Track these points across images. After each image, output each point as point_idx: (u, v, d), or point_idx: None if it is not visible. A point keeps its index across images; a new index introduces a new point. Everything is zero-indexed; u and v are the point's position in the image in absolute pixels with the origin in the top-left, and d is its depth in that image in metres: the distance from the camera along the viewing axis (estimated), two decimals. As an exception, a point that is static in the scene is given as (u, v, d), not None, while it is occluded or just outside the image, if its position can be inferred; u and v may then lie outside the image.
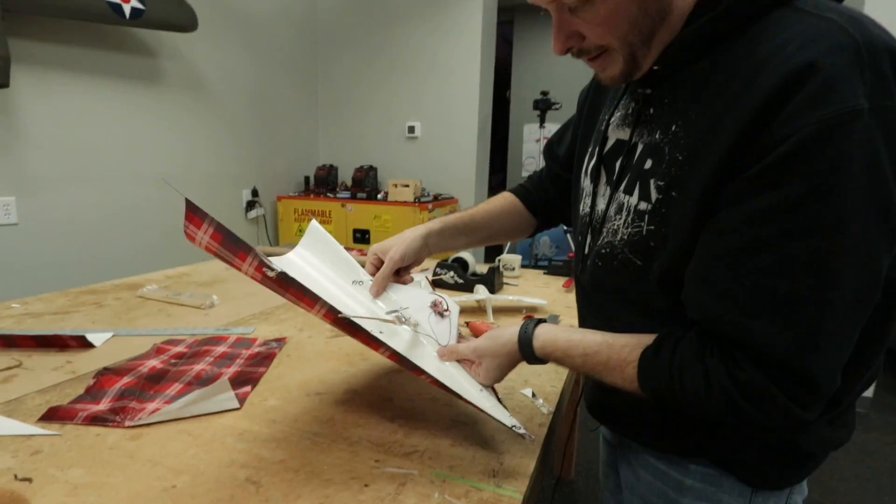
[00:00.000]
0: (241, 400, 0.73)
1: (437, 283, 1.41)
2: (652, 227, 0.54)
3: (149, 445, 0.61)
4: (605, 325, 0.64)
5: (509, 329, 0.63)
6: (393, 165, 3.40)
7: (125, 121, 2.24)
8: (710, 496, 0.61)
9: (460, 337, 0.71)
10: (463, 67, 3.15)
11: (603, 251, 0.62)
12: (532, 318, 0.63)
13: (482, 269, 1.49)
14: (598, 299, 0.67)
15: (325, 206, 3.01)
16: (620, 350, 0.54)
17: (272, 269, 0.53)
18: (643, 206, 0.54)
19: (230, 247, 0.53)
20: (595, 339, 0.57)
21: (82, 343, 0.91)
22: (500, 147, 5.66)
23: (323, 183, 3.21)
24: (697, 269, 0.50)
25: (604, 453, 0.86)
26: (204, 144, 2.65)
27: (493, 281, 1.36)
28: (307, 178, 3.30)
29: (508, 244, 3.53)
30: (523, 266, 1.70)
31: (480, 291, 1.23)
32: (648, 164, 0.54)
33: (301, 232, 3.20)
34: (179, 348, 0.91)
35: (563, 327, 0.61)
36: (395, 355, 0.60)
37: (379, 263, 0.76)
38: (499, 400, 0.64)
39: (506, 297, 1.22)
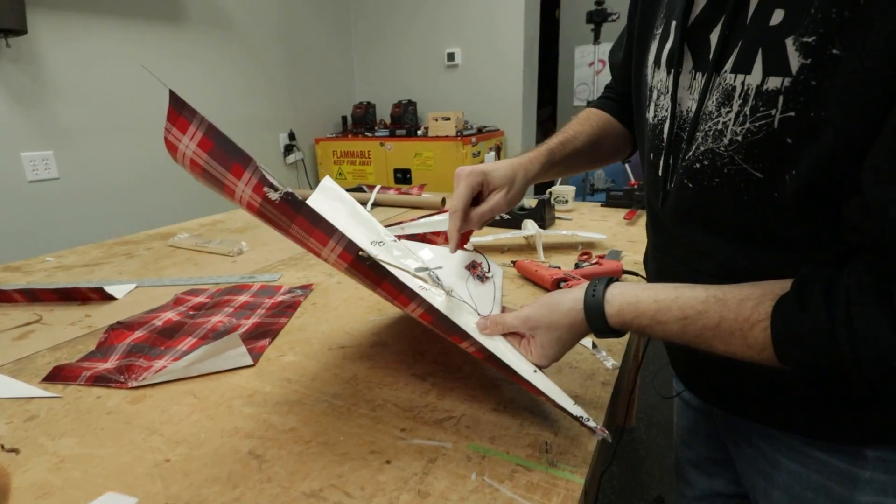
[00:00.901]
0: (257, 356, 0.64)
1: (480, 221, 1.28)
2: (791, 114, 0.36)
3: (149, 409, 0.54)
4: (693, 274, 0.49)
5: (571, 293, 0.48)
6: (433, 98, 3.18)
7: (153, 65, 2.16)
8: None
9: (505, 308, 0.58)
10: (505, -19, 2.82)
11: (697, 166, 0.45)
12: (601, 278, 0.47)
13: (531, 202, 1.33)
14: (685, 237, 0.51)
15: (363, 147, 2.88)
16: (738, 306, 0.39)
17: (275, 189, 0.39)
18: (773, 83, 0.37)
19: (222, 157, 0.39)
20: (696, 296, 0.41)
21: (102, 295, 0.86)
22: (549, 79, 5.24)
23: (361, 122, 3.06)
24: (890, 163, 0.32)
25: (685, 418, 0.72)
26: (236, 88, 2.55)
27: (543, 215, 1.21)
28: (344, 118, 3.17)
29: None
30: (576, 199, 1.53)
31: (529, 227, 1.08)
32: (778, 17, 0.36)
33: (342, 175, 3.12)
34: (200, 298, 0.84)
35: (645, 285, 0.45)
36: (430, 312, 0.46)
37: (477, 189, 0.60)
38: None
39: (558, 232, 1.07)
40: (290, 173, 2.96)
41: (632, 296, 0.44)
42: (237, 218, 1.49)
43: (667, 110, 0.50)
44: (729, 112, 0.41)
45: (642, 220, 1.27)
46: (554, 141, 0.69)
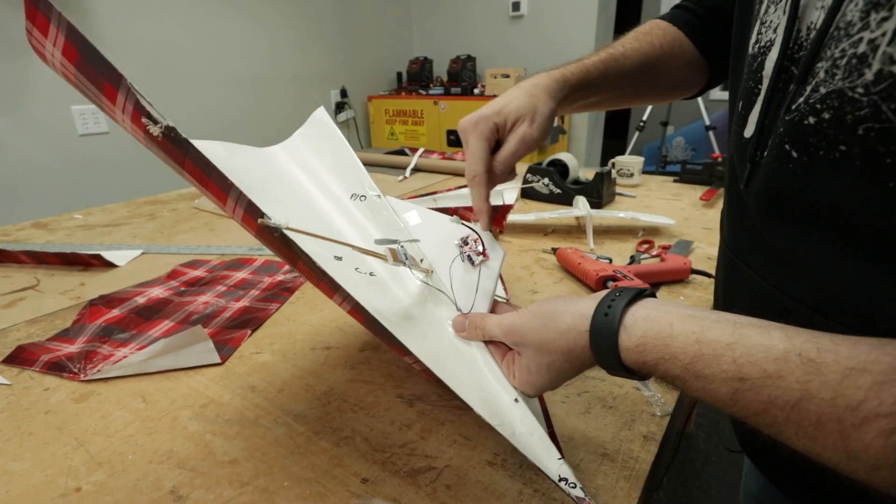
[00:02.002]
0: (230, 350, 0.55)
1: (527, 194, 1.12)
2: None
3: (90, 412, 0.46)
4: (779, 297, 0.34)
5: (577, 305, 0.33)
6: (495, 53, 2.95)
7: (202, 16, 2.11)
8: None
9: (500, 304, 0.43)
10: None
11: (810, 121, 0.28)
12: (626, 289, 0.32)
13: (587, 174, 1.15)
14: (775, 238, 0.34)
15: (416, 105, 2.73)
16: (842, 381, 0.22)
17: (155, 122, 0.30)
18: None
19: (90, 72, 0.30)
20: (768, 346, 0.24)
21: (103, 262, 0.80)
22: (630, 28, 4.74)
23: (416, 78, 2.90)
24: None
25: (752, 480, 0.55)
26: (286, 40, 2.46)
27: (600, 190, 1.03)
28: (399, 75, 3.02)
29: (633, 142, 2.99)
30: (646, 172, 1.31)
31: (580, 205, 0.91)
32: None
33: (393, 135, 3.00)
34: (198, 272, 0.77)
35: (690, 312, 0.28)
36: (359, 312, 0.35)
37: (493, 137, 0.46)
38: (546, 416, 0.37)
39: (614, 214, 0.89)
40: (342, 132, 2.89)
41: (662, 325, 0.28)
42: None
43: (776, 29, 0.32)
44: (885, 21, 0.24)
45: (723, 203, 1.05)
46: (594, 58, 0.52)
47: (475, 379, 0.37)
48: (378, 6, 2.92)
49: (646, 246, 0.81)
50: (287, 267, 0.77)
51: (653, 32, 0.55)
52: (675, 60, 0.55)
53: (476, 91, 2.65)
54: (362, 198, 0.49)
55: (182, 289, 0.71)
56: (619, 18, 2.99)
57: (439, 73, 3.05)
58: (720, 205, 1.05)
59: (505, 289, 0.60)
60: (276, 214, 0.37)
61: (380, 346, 0.56)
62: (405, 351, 0.36)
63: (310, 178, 0.50)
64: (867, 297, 0.28)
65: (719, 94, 4.37)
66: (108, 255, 0.81)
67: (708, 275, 0.68)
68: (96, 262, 0.81)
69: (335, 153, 0.53)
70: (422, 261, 0.45)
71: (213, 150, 0.44)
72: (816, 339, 0.23)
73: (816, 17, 0.29)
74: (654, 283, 0.67)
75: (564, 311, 0.33)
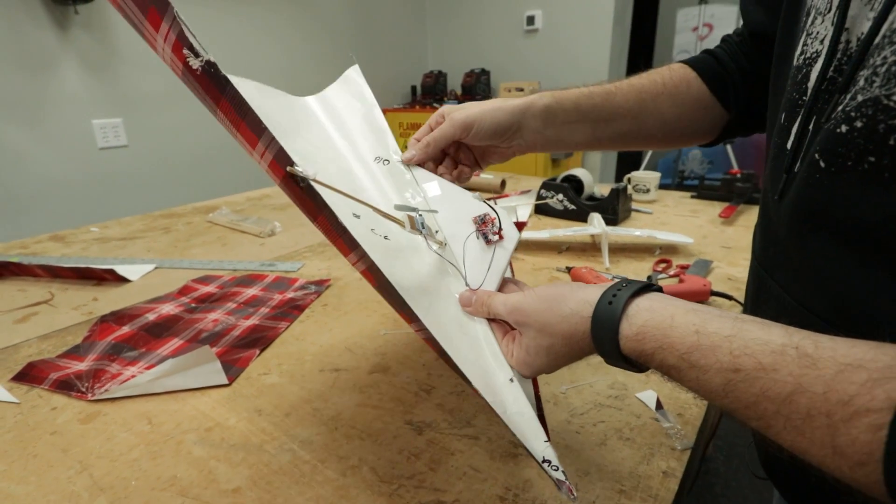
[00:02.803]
0: (238, 371, 0.54)
1: (541, 210, 1.10)
2: None
3: (96, 433, 0.46)
4: (801, 313, 0.34)
5: (582, 291, 0.33)
6: (509, 67, 2.95)
7: (224, 33, 2.15)
8: None
9: (508, 283, 0.42)
10: (598, -68, 2.50)
11: (842, 129, 0.28)
12: (632, 281, 0.32)
13: (603, 190, 1.13)
14: (802, 252, 0.33)
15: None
16: (836, 376, 0.21)
17: (196, 55, 0.30)
18: None
19: None
20: (766, 339, 0.24)
21: (116, 277, 0.81)
22: (644, 46, 4.75)
23: (430, 92, 2.92)
24: None
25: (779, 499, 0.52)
26: (305, 56, 2.50)
27: (616, 207, 1.01)
28: (414, 88, 3.04)
29: (648, 156, 2.95)
30: (663, 187, 1.29)
31: (595, 223, 0.89)
32: None
33: (405, 149, 3.00)
34: (209, 288, 0.77)
35: (693, 307, 0.28)
36: (373, 273, 0.35)
37: (437, 122, 0.50)
38: (537, 400, 0.37)
39: (630, 232, 0.87)
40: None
41: (664, 316, 0.28)
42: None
43: (823, 40, 0.31)
44: None
45: (743, 220, 1.03)
46: (578, 87, 0.51)
47: (474, 355, 0.37)
48: (394, 21, 2.96)
49: (663, 265, 0.79)
50: (298, 284, 0.77)
51: (659, 71, 0.53)
52: (678, 99, 0.51)
53: (490, 105, 2.65)
54: (386, 161, 0.48)
55: (193, 305, 0.71)
56: (634, 32, 2.99)
57: (453, 86, 3.07)
58: (740, 222, 1.02)
59: (512, 270, 0.59)
60: (303, 157, 0.39)
61: (389, 368, 0.54)
62: (413, 317, 0.35)
63: (339, 133, 0.49)
64: (890, 314, 0.28)
65: (736, 107, 4.32)
66: (122, 270, 0.82)
67: (729, 297, 0.66)
68: (110, 277, 0.81)
69: (365, 114, 0.52)
70: (437, 232, 0.45)
71: (247, 87, 0.43)
72: (815, 337, 0.23)
73: (866, 27, 0.28)
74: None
75: (570, 296, 0.33)
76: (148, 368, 0.55)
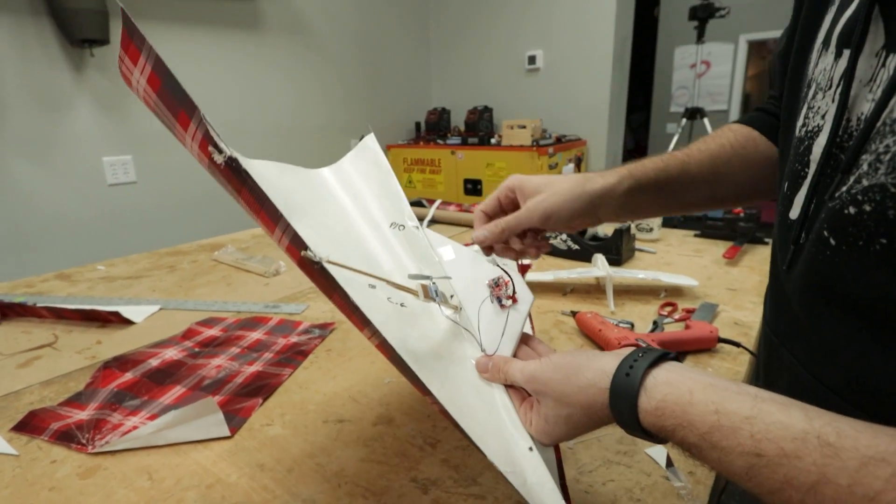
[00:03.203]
0: (240, 422, 0.54)
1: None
2: None
3: (95, 490, 0.45)
4: (811, 385, 0.34)
5: (599, 360, 0.33)
6: (511, 104, 3.02)
7: (230, 71, 2.22)
8: None
9: (525, 346, 0.42)
10: (596, -23, 2.59)
11: (850, 211, 0.28)
12: (650, 349, 0.32)
13: (606, 229, 1.14)
14: (814, 324, 0.33)
15: (434, 155, 2.79)
16: (860, 468, 0.21)
17: (220, 151, 0.33)
18: None
19: (169, 100, 0.34)
20: (787, 424, 0.24)
21: (121, 319, 0.81)
22: (643, 82, 4.86)
23: (434, 128, 2.98)
24: None
25: None
26: (312, 93, 2.57)
27: (619, 247, 1.02)
28: (418, 124, 3.10)
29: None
30: (667, 221, 1.30)
31: (599, 264, 0.90)
32: None
33: (411, 183, 3.05)
34: (213, 331, 0.77)
35: (712, 381, 0.28)
36: (385, 348, 0.35)
37: (509, 205, 0.50)
38: (559, 468, 0.36)
39: (634, 274, 0.87)
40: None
41: (683, 392, 0.28)
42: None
43: (824, 115, 0.32)
44: None
45: (747, 261, 1.03)
46: (654, 158, 0.51)
47: (492, 422, 0.36)
48: (400, 59, 3.04)
49: (669, 309, 0.79)
50: (302, 327, 0.77)
51: (722, 134, 0.53)
52: (748, 160, 0.51)
53: (493, 141, 2.70)
54: (401, 227, 0.49)
55: (196, 350, 0.70)
56: (633, 69, 3.06)
57: (457, 123, 3.13)
58: (744, 262, 1.02)
59: (532, 327, 0.59)
60: (318, 237, 0.41)
61: (393, 420, 0.54)
62: (426, 391, 0.35)
63: (354, 203, 0.50)
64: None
65: (736, 141, 4.39)
66: (126, 312, 0.82)
67: (736, 344, 0.66)
68: (114, 319, 0.81)
69: (381, 181, 0.53)
70: (452, 297, 0.45)
71: (266, 169, 0.46)
72: (836, 422, 0.23)
73: (867, 108, 0.29)
74: (679, 353, 0.65)
75: (587, 366, 0.33)
76: (150, 419, 0.54)
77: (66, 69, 1.75)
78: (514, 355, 0.41)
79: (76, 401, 0.59)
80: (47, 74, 1.73)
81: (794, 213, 0.35)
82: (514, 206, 0.50)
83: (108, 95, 1.87)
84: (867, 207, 0.27)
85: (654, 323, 0.73)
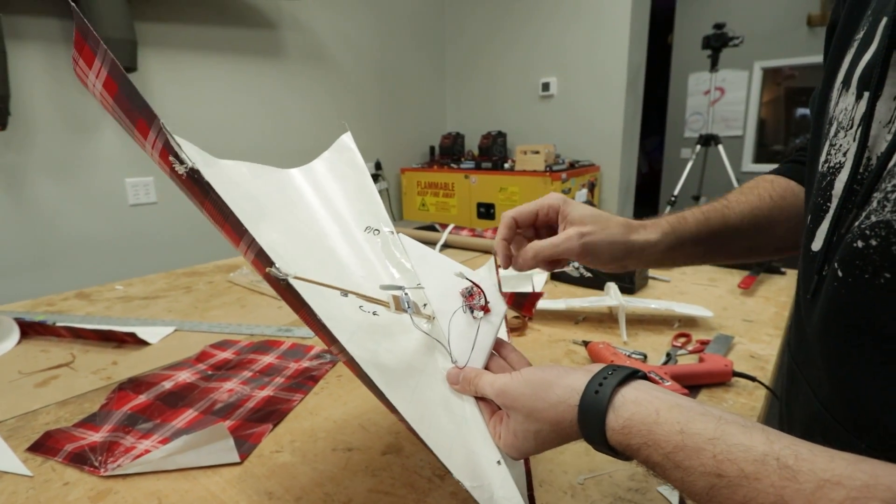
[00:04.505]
0: (250, 447, 0.54)
1: (556, 276, 1.11)
2: None
3: (105, 515, 0.45)
4: (820, 415, 0.35)
5: (569, 377, 0.34)
6: (525, 129, 3.05)
7: (252, 97, 2.28)
8: None
9: (496, 356, 0.43)
10: (610, 6, 2.64)
11: (858, 244, 0.29)
12: (620, 367, 0.33)
13: (618, 257, 1.13)
14: (828, 349, 0.34)
15: (447, 178, 2.82)
16: (816, 491, 0.22)
17: (181, 162, 0.33)
18: None
19: (126, 106, 0.34)
20: (748, 446, 0.25)
21: (136, 340, 0.82)
22: (657, 108, 4.88)
23: (448, 152, 3.01)
24: None
25: None
26: (332, 119, 2.63)
27: (633, 276, 1.01)
28: (432, 148, 3.15)
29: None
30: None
31: (612, 293, 0.89)
32: None
33: (424, 206, 3.08)
34: (226, 354, 0.77)
35: (679, 401, 0.29)
36: (353, 365, 0.36)
37: (544, 221, 0.49)
38: (528, 479, 0.37)
39: (647, 304, 0.87)
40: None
41: (649, 411, 0.29)
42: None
43: (846, 153, 0.33)
44: None
45: (763, 291, 1.01)
46: (693, 209, 0.51)
47: (460, 436, 0.37)
48: (415, 84, 3.11)
49: (682, 340, 0.78)
50: (313, 352, 0.77)
51: (759, 185, 0.53)
52: (788, 212, 0.51)
53: (506, 166, 2.72)
54: (376, 231, 0.49)
55: (209, 372, 0.71)
56: (647, 95, 3.08)
57: (471, 147, 3.17)
58: (760, 293, 1.01)
59: (509, 334, 0.58)
60: (290, 242, 0.42)
61: (402, 449, 0.53)
62: (392, 408, 0.35)
63: (325, 208, 0.50)
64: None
65: (751, 166, 4.37)
66: (142, 333, 0.83)
67: (752, 378, 0.64)
68: (130, 340, 0.82)
69: (357, 183, 0.52)
70: (425, 306, 0.45)
71: (238, 170, 0.46)
72: (796, 446, 0.24)
73: (884, 147, 0.30)
74: (692, 386, 0.64)
75: (557, 383, 0.33)
76: (162, 442, 0.55)
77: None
78: (487, 367, 0.42)
79: (91, 422, 0.60)
80: (76, 98, 1.80)
81: (817, 245, 0.35)
82: (549, 223, 0.49)
83: (134, 119, 1.94)
84: (873, 242, 0.28)
85: (668, 355, 0.72)
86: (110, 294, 1.10)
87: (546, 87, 2.91)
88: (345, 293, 0.38)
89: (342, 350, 0.35)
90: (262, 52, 2.29)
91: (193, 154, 0.41)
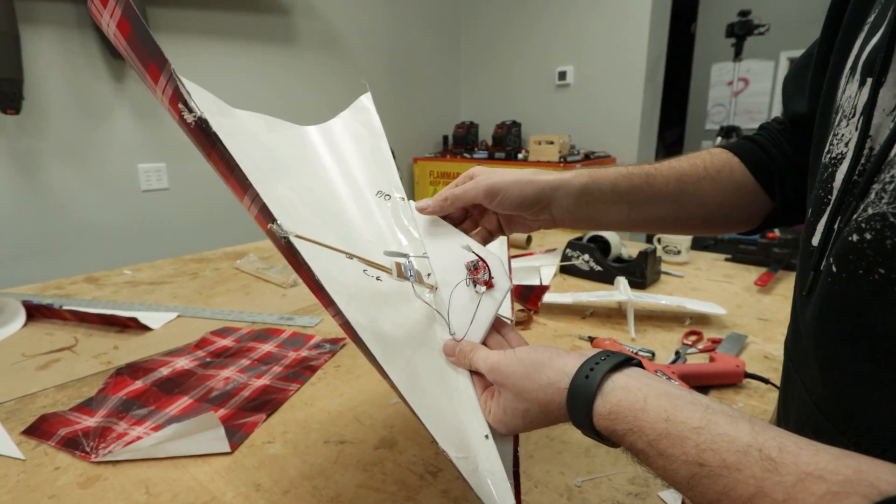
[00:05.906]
0: (242, 437, 0.53)
1: (566, 270, 1.08)
2: None
3: (93, 501, 0.45)
4: (814, 412, 0.33)
5: (561, 360, 0.33)
6: (540, 119, 3.00)
7: (263, 83, 2.28)
8: None
9: (495, 334, 0.42)
10: (630, -7, 2.56)
11: (853, 238, 0.28)
12: (614, 353, 0.32)
13: (632, 251, 1.10)
14: (821, 346, 0.32)
15: (460, 168, 2.79)
16: (796, 484, 0.21)
17: (190, 111, 0.32)
18: None
19: (139, 50, 0.33)
20: (733, 436, 0.24)
21: (138, 325, 0.82)
22: (678, 99, 4.76)
23: (461, 142, 2.98)
24: None
25: None
26: (344, 106, 2.60)
27: (644, 270, 0.98)
28: (445, 138, 3.11)
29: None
30: (695, 248, 1.25)
31: (621, 288, 0.86)
32: None
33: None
34: (226, 341, 0.77)
35: (668, 389, 0.29)
36: (348, 329, 0.35)
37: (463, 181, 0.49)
38: (515, 457, 0.37)
39: (658, 300, 0.84)
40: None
41: (637, 398, 0.29)
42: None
43: (847, 143, 0.31)
44: None
45: (781, 289, 0.98)
46: (616, 167, 0.49)
47: (450, 408, 0.37)
48: (429, 72, 3.07)
49: (693, 338, 0.75)
50: (313, 342, 0.76)
51: (698, 155, 0.51)
52: (719, 185, 0.49)
53: (520, 156, 2.68)
54: (387, 196, 0.48)
55: (208, 360, 0.71)
56: (667, 86, 3.00)
57: (484, 137, 3.13)
58: (777, 290, 0.97)
59: (512, 309, 0.56)
60: (300, 199, 0.41)
61: (396, 444, 0.52)
62: (384, 375, 0.35)
63: (339, 168, 0.49)
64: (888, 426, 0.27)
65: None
66: (144, 318, 0.83)
67: (765, 380, 0.61)
68: (132, 325, 0.82)
69: (372, 145, 0.52)
70: (429, 275, 0.44)
71: (255, 122, 0.45)
72: (781, 438, 0.23)
73: (886, 137, 0.28)
74: (702, 387, 0.61)
75: (548, 364, 0.33)
76: (154, 429, 0.54)
77: (107, 80, 1.83)
78: (485, 342, 0.41)
79: (86, 406, 0.59)
80: (89, 84, 1.81)
81: (816, 239, 0.33)
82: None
83: (146, 106, 1.94)
84: (868, 236, 0.27)
85: (677, 353, 0.69)
86: (118, 279, 1.11)
87: (563, 75, 2.85)
88: (349, 256, 0.37)
89: (338, 312, 0.35)
90: (274, 38, 2.28)
91: (209, 101, 0.41)
